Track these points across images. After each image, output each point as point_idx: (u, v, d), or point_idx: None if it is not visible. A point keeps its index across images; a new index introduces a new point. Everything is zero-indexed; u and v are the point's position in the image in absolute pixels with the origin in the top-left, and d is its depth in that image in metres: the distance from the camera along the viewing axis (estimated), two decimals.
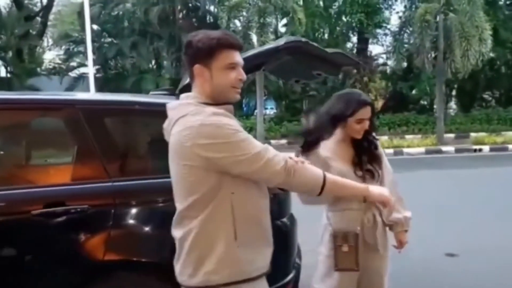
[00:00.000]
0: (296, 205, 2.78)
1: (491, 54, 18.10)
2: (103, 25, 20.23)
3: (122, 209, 2.43)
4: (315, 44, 2.75)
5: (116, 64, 21.01)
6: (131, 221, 2.48)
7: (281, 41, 2.65)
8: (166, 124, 1.70)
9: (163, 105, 2.86)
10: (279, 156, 1.58)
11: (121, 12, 19.91)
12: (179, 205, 1.62)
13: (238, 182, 1.56)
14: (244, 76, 1.64)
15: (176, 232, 1.64)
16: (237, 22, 16.10)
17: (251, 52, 2.94)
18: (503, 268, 4.24)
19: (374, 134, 2.46)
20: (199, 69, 1.62)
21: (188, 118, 1.56)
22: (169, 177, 2.59)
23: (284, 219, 2.73)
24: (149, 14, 17.91)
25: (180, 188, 1.61)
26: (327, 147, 2.35)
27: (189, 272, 1.59)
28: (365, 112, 2.32)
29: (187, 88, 2.84)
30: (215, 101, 1.61)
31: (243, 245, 1.57)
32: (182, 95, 1.72)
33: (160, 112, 2.79)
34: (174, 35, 18.50)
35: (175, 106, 1.67)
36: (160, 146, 2.78)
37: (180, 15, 20.25)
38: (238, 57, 1.62)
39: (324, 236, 2.44)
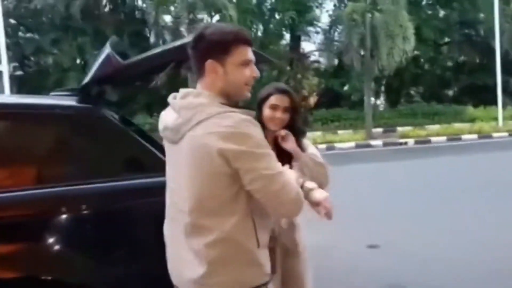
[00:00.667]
0: None
1: (416, 52, 19.07)
2: (20, 19, 18.84)
3: (9, 222, 2.15)
4: None
5: (36, 61, 19.65)
6: (22, 235, 2.19)
7: (189, 38, 2.50)
8: (177, 124, 1.54)
9: (55, 107, 2.64)
10: (294, 185, 1.53)
11: (39, 6, 18.61)
12: (193, 212, 1.52)
13: None
14: (258, 73, 1.58)
15: (194, 242, 1.53)
16: (166, 17, 15.64)
17: (160, 49, 2.75)
18: (424, 258, 4.32)
19: (305, 140, 2.29)
20: (212, 65, 1.52)
21: (214, 121, 1.46)
22: (67, 185, 2.40)
23: None
24: (71, 8, 16.89)
25: (195, 194, 1.51)
26: None
27: (217, 281, 1.53)
28: (281, 99, 2.19)
29: (89, 87, 2.62)
30: (227, 99, 1.54)
31: (263, 248, 1.57)
32: (187, 91, 1.57)
33: (52, 115, 2.56)
34: (99, 30, 17.62)
35: (192, 106, 1.51)
36: (54, 153, 2.53)
37: (106, 9, 19.34)
38: (251, 54, 1.57)
39: None
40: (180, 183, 1.56)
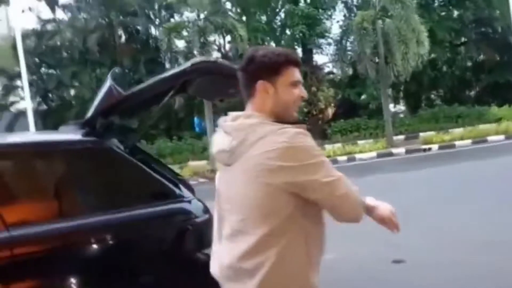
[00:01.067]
0: None
1: (432, 55, 18.79)
2: (41, 56, 19.56)
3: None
4: (224, 62, 2.69)
5: (59, 94, 20.33)
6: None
7: (188, 63, 2.57)
8: (232, 146, 1.55)
9: (59, 143, 2.67)
10: (355, 189, 1.59)
11: (58, 42, 19.30)
12: (254, 231, 1.52)
13: (310, 206, 1.54)
14: (305, 93, 1.65)
15: (247, 263, 1.53)
16: (179, 42, 15.92)
17: (159, 77, 2.80)
18: (451, 271, 4.14)
19: None
20: (263, 85, 1.57)
21: (271, 138, 1.49)
22: (71, 219, 2.39)
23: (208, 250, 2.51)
24: (88, 42, 17.44)
25: (256, 213, 1.52)
26: None
27: None
28: None
29: (94, 120, 2.65)
30: (276, 119, 1.57)
31: (313, 270, 1.56)
32: (237, 114, 1.59)
33: (57, 151, 2.59)
34: (116, 61, 18.10)
35: (243, 127, 1.54)
36: (62, 187, 2.56)
37: (122, 40, 19.85)
38: (299, 75, 1.63)
39: None
40: (235, 204, 1.57)
